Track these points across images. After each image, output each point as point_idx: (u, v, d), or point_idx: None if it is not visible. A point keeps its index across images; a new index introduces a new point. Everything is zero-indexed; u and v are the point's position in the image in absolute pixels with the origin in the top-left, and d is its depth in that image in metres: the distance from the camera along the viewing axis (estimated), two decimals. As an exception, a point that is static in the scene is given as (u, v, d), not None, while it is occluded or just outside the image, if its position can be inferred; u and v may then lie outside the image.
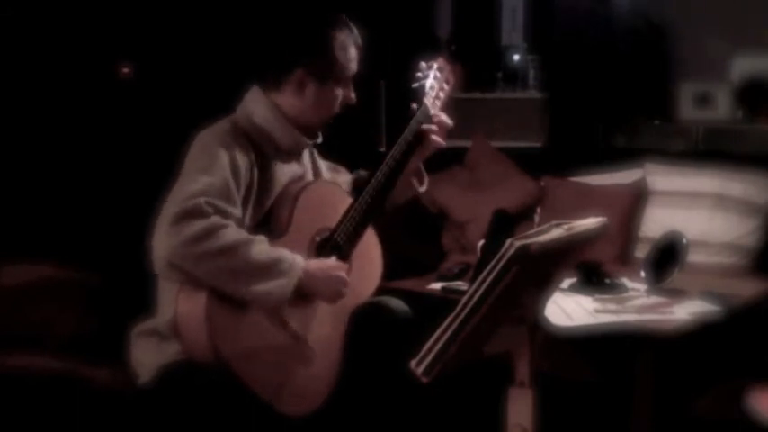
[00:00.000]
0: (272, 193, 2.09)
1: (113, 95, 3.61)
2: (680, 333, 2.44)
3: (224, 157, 1.97)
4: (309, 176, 2.22)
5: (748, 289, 2.89)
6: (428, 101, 2.25)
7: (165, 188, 1.95)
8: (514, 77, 4.34)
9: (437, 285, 2.93)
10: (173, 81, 3.69)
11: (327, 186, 2.23)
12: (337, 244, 2.10)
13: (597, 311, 2.53)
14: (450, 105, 2.33)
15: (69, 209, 3.31)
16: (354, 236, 2.12)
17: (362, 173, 2.31)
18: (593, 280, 2.75)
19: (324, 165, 2.32)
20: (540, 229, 1.57)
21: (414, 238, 3.63)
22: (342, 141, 2.31)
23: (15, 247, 2.82)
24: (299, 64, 2.10)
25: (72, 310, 2.64)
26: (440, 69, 2.33)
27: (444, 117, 2.26)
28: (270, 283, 1.91)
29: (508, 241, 1.43)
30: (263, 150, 2.09)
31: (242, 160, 2.01)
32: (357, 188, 2.24)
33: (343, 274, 2.06)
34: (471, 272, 2.86)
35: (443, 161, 3.31)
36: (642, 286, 2.77)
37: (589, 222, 1.69)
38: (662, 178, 3.51)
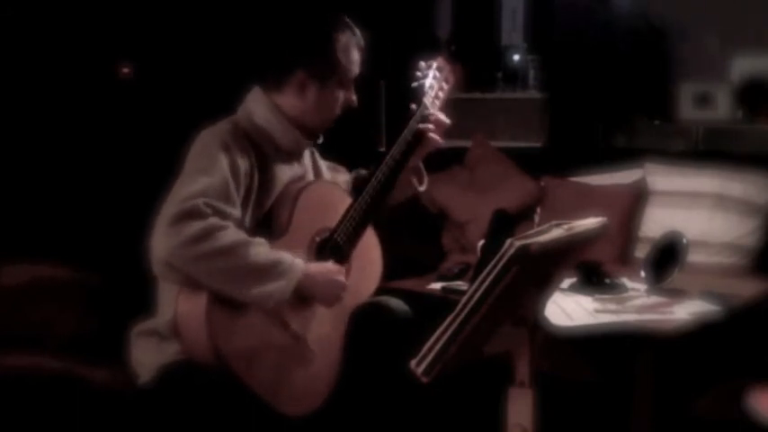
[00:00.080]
0: (272, 193, 2.09)
1: (113, 95, 3.61)
2: (680, 333, 2.44)
3: (224, 158, 1.96)
4: (310, 177, 2.22)
5: (748, 289, 2.88)
6: (427, 100, 2.25)
7: (165, 188, 1.95)
8: (514, 77, 4.34)
9: (437, 285, 2.92)
10: (173, 81, 3.69)
11: (327, 186, 2.23)
12: (337, 244, 2.09)
13: (597, 311, 2.53)
14: (450, 105, 2.33)
15: (69, 209, 3.31)
16: (354, 236, 2.12)
17: (362, 172, 2.31)
18: (593, 280, 2.75)
19: (324, 165, 2.32)
20: (540, 229, 1.57)
21: (414, 238, 3.63)
22: (342, 141, 2.31)
23: (15, 247, 2.82)
24: (299, 65, 2.10)
25: (72, 310, 2.64)
26: (439, 69, 2.33)
27: (441, 115, 2.26)
28: (269, 285, 1.91)
29: (508, 241, 1.42)
30: (264, 151, 2.09)
31: (242, 161, 2.00)
32: (357, 188, 2.24)
33: (342, 278, 2.06)
34: (471, 272, 2.86)
35: (443, 161, 3.31)
36: (642, 286, 2.77)
37: (589, 222, 1.68)
38: (662, 178, 3.50)
